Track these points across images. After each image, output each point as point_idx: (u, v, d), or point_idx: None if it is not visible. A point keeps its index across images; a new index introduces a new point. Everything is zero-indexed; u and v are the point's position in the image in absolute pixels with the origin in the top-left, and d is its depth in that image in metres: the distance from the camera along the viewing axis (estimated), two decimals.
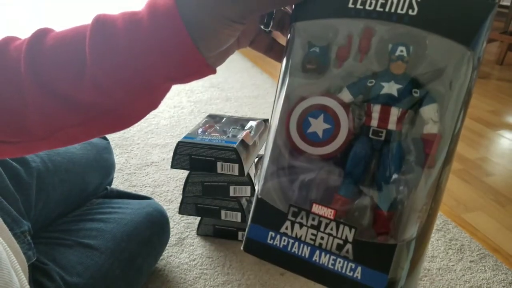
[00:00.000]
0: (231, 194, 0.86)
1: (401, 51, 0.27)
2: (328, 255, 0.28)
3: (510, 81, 2.25)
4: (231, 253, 0.88)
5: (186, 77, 0.32)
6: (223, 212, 0.88)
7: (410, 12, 0.26)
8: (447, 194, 1.16)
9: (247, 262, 0.86)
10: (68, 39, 0.33)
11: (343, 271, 0.27)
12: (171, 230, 0.87)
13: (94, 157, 0.82)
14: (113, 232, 0.71)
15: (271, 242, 0.29)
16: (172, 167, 0.85)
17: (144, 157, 1.26)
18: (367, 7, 0.28)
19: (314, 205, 0.28)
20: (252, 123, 0.95)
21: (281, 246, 0.29)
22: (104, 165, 0.85)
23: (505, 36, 2.26)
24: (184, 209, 0.90)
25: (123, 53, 0.31)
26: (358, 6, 0.28)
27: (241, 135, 0.87)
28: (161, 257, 0.84)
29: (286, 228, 0.29)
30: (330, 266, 0.28)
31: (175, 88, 1.83)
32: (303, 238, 0.29)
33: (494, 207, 1.12)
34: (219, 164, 0.83)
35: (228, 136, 0.87)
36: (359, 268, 0.27)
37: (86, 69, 0.31)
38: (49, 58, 0.32)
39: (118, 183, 1.11)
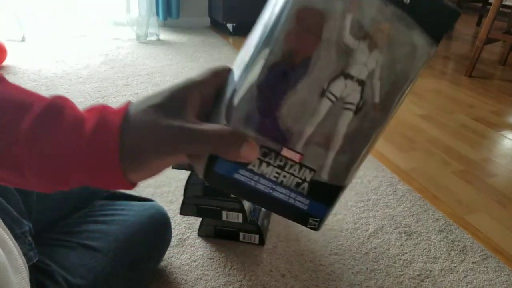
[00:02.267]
0: (232, 195, 0.87)
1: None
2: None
3: None
4: (232, 254, 0.89)
5: (100, 187, 0.33)
6: (224, 213, 0.88)
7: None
8: (449, 195, 1.16)
9: (248, 263, 0.86)
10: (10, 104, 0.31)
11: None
12: (172, 231, 0.87)
13: None
14: (116, 234, 0.71)
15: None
16: (172, 167, 0.85)
17: None
18: None
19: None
20: None
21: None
22: None
23: (508, 36, 2.25)
24: (185, 210, 0.90)
25: (54, 148, 0.30)
26: None
27: None
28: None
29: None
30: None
31: None
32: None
33: (497, 208, 1.11)
34: None
35: None
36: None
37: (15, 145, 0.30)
38: None
39: None
